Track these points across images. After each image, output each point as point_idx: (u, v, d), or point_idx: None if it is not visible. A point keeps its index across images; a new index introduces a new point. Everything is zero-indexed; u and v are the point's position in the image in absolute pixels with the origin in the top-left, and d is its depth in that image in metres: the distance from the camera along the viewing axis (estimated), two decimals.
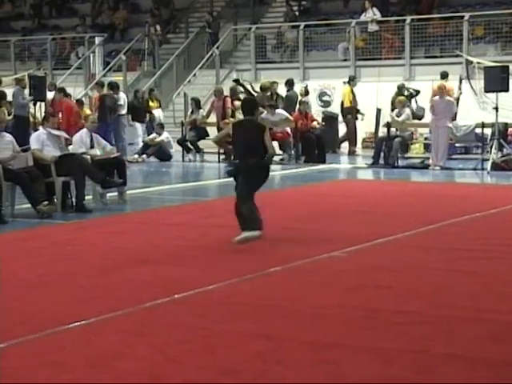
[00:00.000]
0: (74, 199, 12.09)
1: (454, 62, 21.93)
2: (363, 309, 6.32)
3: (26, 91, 20.29)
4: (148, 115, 21.86)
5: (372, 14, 23.96)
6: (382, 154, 18.35)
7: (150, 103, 22.21)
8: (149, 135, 20.99)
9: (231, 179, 9.50)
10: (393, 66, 22.77)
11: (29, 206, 11.36)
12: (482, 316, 6.10)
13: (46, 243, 9.50)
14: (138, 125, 21.21)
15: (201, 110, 21.02)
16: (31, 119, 20.26)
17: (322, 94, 23.38)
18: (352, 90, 20.96)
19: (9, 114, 20.71)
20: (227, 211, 11.81)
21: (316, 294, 6.83)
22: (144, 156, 20.23)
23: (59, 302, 6.62)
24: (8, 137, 11.95)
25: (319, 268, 7.91)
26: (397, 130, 18.48)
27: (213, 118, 20.91)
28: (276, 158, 19.76)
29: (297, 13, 27.21)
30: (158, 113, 22.08)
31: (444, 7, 24.80)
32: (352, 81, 21.21)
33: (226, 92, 21.03)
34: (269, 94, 20.81)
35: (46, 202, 11.29)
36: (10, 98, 21.17)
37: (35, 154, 11.99)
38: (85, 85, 26.59)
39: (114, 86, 20.57)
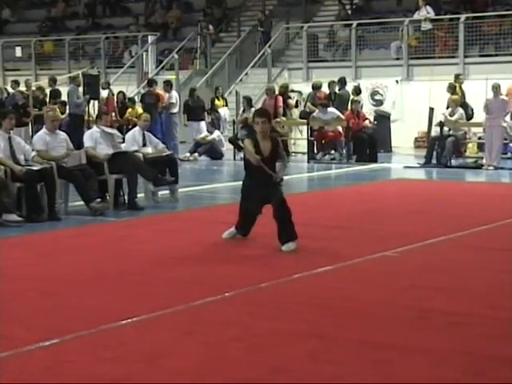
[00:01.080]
0: (126, 197, 12.18)
1: (509, 60, 21.64)
2: (415, 309, 6.26)
3: (80, 89, 20.52)
4: (213, 113, 21.89)
5: (425, 12, 23.74)
6: (434, 154, 18.18)
7: (216, 101, 22.27)
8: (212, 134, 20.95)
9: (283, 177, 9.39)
10: (446, 64, 22.52)
11: (82, 203, 11.47)
12: None
13: (99, 240, 9.58)
14: (194, 124, 21.23)
15: (252, 109, 20.99)
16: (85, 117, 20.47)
17: (374, 93, 23.24)
18: (460, 87, 20.40)
19: (62, 113, 20.97)
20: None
21: (367, 294, 6.79)
22: (196, 154, 20.31)
23: (112, 299, 6.68)
24: (62, 135, 12.09)
25: (370, 268, 7.86)
26: (450, 129, 18.28)
27: None
28: (327, 157, 19.76)
29: (349, 11, 27.10)
30: (223, 111, 22.05)
31: (499, 5, 24.47)
32: (458, 78, 20.56)
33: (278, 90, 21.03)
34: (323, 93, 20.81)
35: (98, 200, 11.40)
36: (64, 96, 21.47)
37: (88, 152, 12.11)
38: (137, 83, 26.79)
39: (152, 83, 20.75)
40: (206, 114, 21.74)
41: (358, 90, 20.94)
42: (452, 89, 19.37)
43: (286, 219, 8.61)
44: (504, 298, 6.62)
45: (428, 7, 23.83)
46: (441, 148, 18.06)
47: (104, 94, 21.77)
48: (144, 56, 27.99)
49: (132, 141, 13.02)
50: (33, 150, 11.51)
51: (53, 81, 23.41)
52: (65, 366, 5.02)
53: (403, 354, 5.19)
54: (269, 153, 8.73)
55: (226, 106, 22.38)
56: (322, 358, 5.13)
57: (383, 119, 21.43)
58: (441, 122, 18.47)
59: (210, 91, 23.96)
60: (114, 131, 13.04)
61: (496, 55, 22.46)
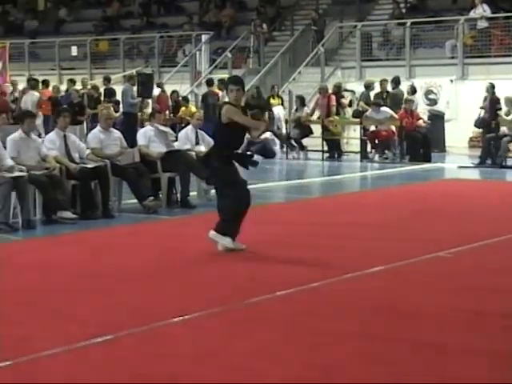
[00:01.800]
0: (178, 195, 12.24)
1: None
2: (469, 311, 6.19)
3: (134, 88, 20.70)
4: (269, 112, 21.86)
5: (481, 10, 23.43)
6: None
7: (272, 100, 22.25)
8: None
9: (336, 177, 9.33)
10: (502, 63, 22.21)
11: (135, 201, 11.56)
12: None
13: (151, 238, 9.65)
14: None
15: (305, 108, 20.99)
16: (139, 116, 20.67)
17: (428, 92, 23.01)
18: None
19: (116, 112, 21.17)
20: (330, 209, 11.80)
21: (420, 295, 6.73)
22: (248, 153, 20.29)
23: (164, 296, 6.72)
24: (116, 133, 12.20)
25: (424, 268, 7.79)
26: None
27: (317, 116, 20.84)
28: (380, 157, 19.64)
29: (403, 10, 26.87)
30: (277, 110, 21.95)
31: None
32: None
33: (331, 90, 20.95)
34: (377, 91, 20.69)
35: (151, 198, 11.47)
36: (118, 95, 21.68)
37: (142, 150, 12.20)
38: (191, 82, 26.92)
39: (213, 83, 20.79)
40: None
41: (413, 90, 20.74)
42: (492, 89, 19.12)
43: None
44: None
45: (484, 5, 23.52)
46: (496, 148, 17.83)
47: (156, 92, 21.93)
48: (197, 55, 28.11)
49: (185, 139, 13.07)
50: (87, 148, 11.64)
51: (107, 80, 23.66)
52: (117, 363, 5.06)
53: (457, 356, 5.13)
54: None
55: (282, 104, 22.25)
56: (375, 358, 5.10)
57: (437, 119, 21.20)
58: (496, 121, 18.21)
59: (263, 90, 23.95)
60: (168, 130, 13.11)
61: None
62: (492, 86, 19.26)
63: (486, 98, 19.26)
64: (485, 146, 18.23)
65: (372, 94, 21.01)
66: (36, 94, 21.56)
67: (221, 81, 21.16)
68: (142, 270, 7.75)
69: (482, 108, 19.44)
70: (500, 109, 18.68)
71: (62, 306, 6.41)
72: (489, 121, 18.67)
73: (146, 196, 11.40)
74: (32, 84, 21.55)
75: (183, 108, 21.94)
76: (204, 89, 23.20)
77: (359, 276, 7.41)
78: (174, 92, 22.80)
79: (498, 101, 18.76)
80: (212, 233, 8.47)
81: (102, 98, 22.39)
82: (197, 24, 30.98)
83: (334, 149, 20.25)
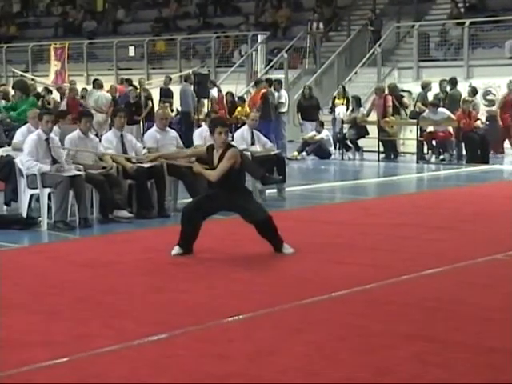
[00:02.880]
0: None
1: None
2: None
3: (191, 88, 20.84)
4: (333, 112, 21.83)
5: None
6: None
7: (336, 100, 22.18)
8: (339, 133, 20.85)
9: (391, 178, 9.26)
10: None
11: (190, 200, 11.58)
12: None
13: (207, 237, 9.65)
14: (307, 124, 21.20)
15: (361, 108, 20.88)
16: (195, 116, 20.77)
17: (486, 93, 22.73)
18: None
19: (172, 111, 21.33)
20: (386, 210, 11.72)
21: (478, 297, 6.64)
22: (303, 154, 20.30)
23: (219, 296, 6.73)
24: (172, 133, 12.27)
25: (481, 270, 7.69)
26: None
27: (373, 117, 20.74)
28: (437, 158, 19.45)
29: (462, 9, 26.59)
30: (339, 110, 21.87)
31: None
32: None
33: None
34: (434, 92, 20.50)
35: None
36: (176, 95, 21.82)
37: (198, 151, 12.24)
38: (247, 82, 26.97)
39: (271, 83, 20.74)
40: (319, 113, 21.67)
41: (474, 91, 20.50)
42: None
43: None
44: None
45: None
46: None
47: (214, 93, 22.01)
48: (253, 55, 28.16)
49: (241, 139, 13.09)
50: (144, 148, 11.73)
51: (169, 79, 23.79)
52: (172, 361, 5.08)
53: None
54: (217, 161, 8.54)
55: (347, 104, 22.05)
56: (431, 360, 5.04)
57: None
58: None
59: (319, 90, 23.91)
60: None
61: None
62: None
63: None
64: None
65: (429, 95, 20.83)
66: (107, 94, 21.72)
67: (276, 81, 21.10)
68: (197, 268, 7.78)
69: None
70: None
71: (118, 304, 6.46)
72: None
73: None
74: (99, 84, 21.73)
75: (239, 108, 21.99)
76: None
77: (416, 278, 7.34)
78: (228, 93, 22.86)
79: None
80: (287, 249, 8.40)
81: (159, 98, 22.54)
82: (253, 24, 31.05)
83: (389, 150, 20.10)
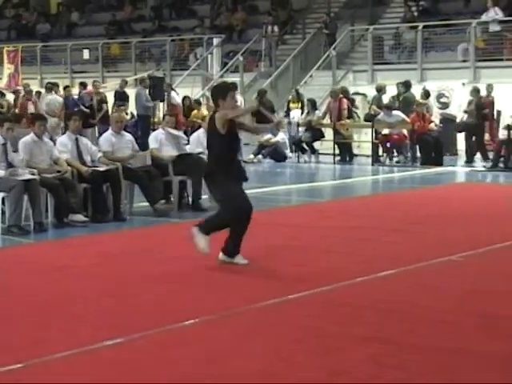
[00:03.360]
0: (190, 198, 12.25)
1: None
2: (481, 315, 6.17)
3: (147, 91, 20.77)
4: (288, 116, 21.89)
5: (494, 13, 23.38)
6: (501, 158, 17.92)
7: (291, 104, 22.25)
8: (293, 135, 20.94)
9: (347, 180, 9.32)
10: None
11: (146, 204, 11.58)
12: None
13: (163, 241, 9.66)
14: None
15: (316, 111, 20.98)
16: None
17: (439, 96, 22.97)
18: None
19: (126, 114, 21.25)
20: (341, 212, 11.79)
21: (432, 299, 6.71)
22: (259, 156, 20.33)
23: (177, 299, 6.72)
24: (128, 136, 12.23)
25: (435, 272, 7.77)
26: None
27: (328, 120, 20.84)
28: (391, 160, 19.61)
29: (415, 13, 26.84)
30: (293, 114, 21.93)
31: None
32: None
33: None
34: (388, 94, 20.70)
35: (163, 201, 11.49)
36: (131, 98, 21.75)
37: (153, 154, 12.22)
38: (202, 85, 26.95)
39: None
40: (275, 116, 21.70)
41: (427, 94, 20.72)
42: (477, 93, 19.08)
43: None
44: None
45: (496, 8, 23.47)
46: (508, 151, 17.78)
47: (175, 96, 21.98)
48: (209, 58, 28.15)
49: (197, 143, 13.08)
50: (99, 151, 11.67)
51: (125, 82, 23.69)
52: (129, 365, 5.07)
53: (469, 360, 5.12)
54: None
55: (302, 108, 22.11)
56: (386, 362, 5.09)
57: (449, 122, 21.15)
58: (508, 125, 18.16)
59: (275, 94, 23.96)
60: (179, 133, 13.13)
61: None
62: (477, 90, 19.26)
63: (470, 102, 19.21)
64: (497, 150, 18.19)
65: (384, 98, 21.01)
66: (59, 97, 21.55)
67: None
68: (153, 273, 7.75)
69: (465, 112, 19.42)
70: (486, 113, 18.69)
71: (74, 309, 6.42)
72: (473, 125, 18.70)
73: (157, 199, 11.41)
74: (50, 87, 21.56)
75: (195, 111, 21.97)
76: None
77: (370, 280, 7.39)
78: (185, 97, 22.85)
79: (483, 105, 18.77)
80: (194, 228, 8.09)
81: (113, 101, 22.43)
82: (208, 27, 31.04)
83: (345, 152, 20.23)
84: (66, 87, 22.77)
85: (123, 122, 12.70)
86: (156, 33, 32.01)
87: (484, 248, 8.78)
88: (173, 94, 22.30)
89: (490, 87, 19.62)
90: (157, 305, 6.54)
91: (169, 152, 12.27)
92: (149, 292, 7.00)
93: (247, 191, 13.33)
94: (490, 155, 18.48)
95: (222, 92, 8.08)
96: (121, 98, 22.55)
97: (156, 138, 12.45)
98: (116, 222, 10.90)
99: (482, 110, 18.85)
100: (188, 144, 13.23)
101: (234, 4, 31.66)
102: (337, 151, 20.17)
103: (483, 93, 19.40)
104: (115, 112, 13.64)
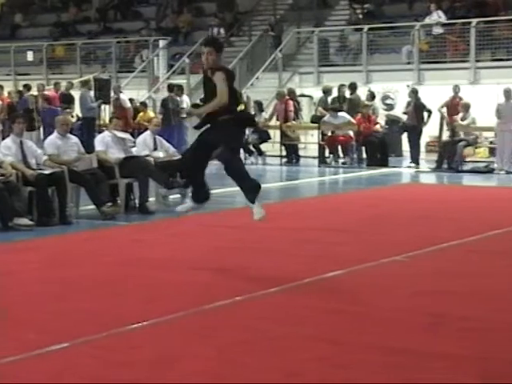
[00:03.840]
0: (137, 201, 12.19)
1: None
2: (427, 314, 6.24)
3: (91, 93, 20.60)
4: None
5: (437, 16, 23.70)
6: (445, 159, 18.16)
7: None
8: None
9: (294, 182, 9.35)
10: (458, 69, 22.47)
11: (93, 207, 11.49)
12: None
13: (109, 244, 9.59)
14: None
15: (263, 113, 21.04)
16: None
17: (384, 98, 23.20)
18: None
19: (72, 116, 21.06)
20: (288, 214, 11.83)
21: (378, 299, 6.77)
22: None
23: (124, 303, 6.68)
24: (73, 139, 12.12)
25: (381, 272, 7.83)
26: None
27: (275, 121, 20.91)
28: (338, 162, 19.74)
29: (360, 16, 27.06)
30: None
31: (511, 9, 24.38)
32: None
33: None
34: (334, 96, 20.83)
35: (109, 204, 11.42)
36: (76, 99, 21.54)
37: (99, 156, 12.13)
38: (148, 88, 26.83)
39: (173, 88, 20.70)
40: None
41: (372, 95, 20.91)
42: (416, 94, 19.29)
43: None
44: None
45: (439, 11, 23.79)
46: (452, 152, 18.03)
47: (125, 98, 21.85)
48: (155, 60, 28.03)
49: (143, 145, 13.04)
50: (44, 154, 11.55)
51: (71, 84, 23.48)
52: (75, 370, 5.01)
53: (416, 359, 5.17)
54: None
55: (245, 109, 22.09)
56: (334, 362, 5.12)
57: (394, 123, 21.38)
58: (452, 126, 18.43)
59: None
60: (126, 135, 13.06)
61: (508, 60, 22.37)
62: (415, 91, 19.52)
63: (409, 104, 19.47)
64: (441, 151, 18.43)
65: (330, 99, 21.14)
66: None
67: (177, 87, 21.12)
68: (100, 276, 7.69)
69: (404, 113, 19.67)
70: (423, 115, 18.96)
71: (19, 314, 6.33)
72: (412, 126, 18.96)
73: (103, 202, 11.33)
74: None
75: (141, 113, 21.86)
76: (163, 94, 23.13)
77: (318, 280, 7.43)
78: (130, 100, 22.73)
79: (422, 106, 19.04)
80: (254, 208, 8.07)
81: (59, 104, 22.20)
82: (154, 29, 30.91)
83: (291, 154, 20.31)
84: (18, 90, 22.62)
85: (68, 124, 12.58)
86: (101, 34, 31.76)
87: (429, 248, 8.88)
88: (122, 96, 22.17)
89: (456, 88, 19.77)
90: (103, 308, 6.48)
91: (115, 154, 12.19)
92: (95, 295, 6.94)
93: None
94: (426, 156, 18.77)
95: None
96: (66, 100, 22.33)
97: (102, 141, 12.37)
98: (62, 226, 10.79)
99: (421, 111, 19.06)
100: (134, 146, 13.17)
101: (180, 6, 31.57)
102: (284, 153, 20.24)
103: (450, 94, 19.62)
104: (60, 114, 13.51)
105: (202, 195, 8.44)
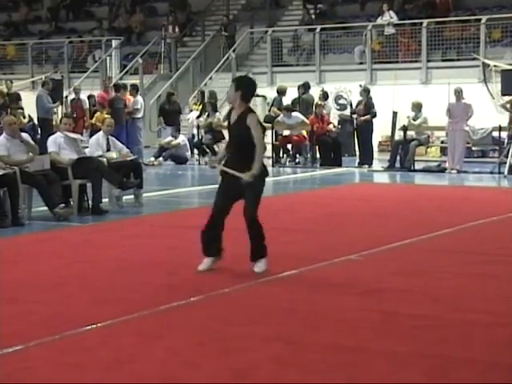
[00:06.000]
0: (90, 202, 12.12)
1: (471, 65, 21.87)
2: (380, 312, 6.30)
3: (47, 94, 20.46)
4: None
5: (389, 17, 23.91)
6: (398, 158, 18.33)
7: (194, 106, 22.23)
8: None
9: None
10: (409, 69, 22.71)
11: (45, 208, 11.39)
12: (498, 320, 6.07)
13: (63, 246, 9.52)
14: (169, 129, 21.11)
15: (217, 113, 21.03)
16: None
17: (338, 97, 23.35)
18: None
19: (24, 117, 20.86)
20: (241, 214, 11.83)
21: (332, 298, 6.82)
22: (160, 159, 20.26)
23: (77, 304, 6.64)
24: (23, 136, 11.89)
25: (335, 271, 7.89)
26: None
27: None
28: (292, 162, 19.82)
29: (313, 16, 27.19)
30: (190, 116, 21.97)
31: (461, 10, 24.71)
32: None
33: None
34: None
35: (62, 205, 11.33)
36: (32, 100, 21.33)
37: (52, 157, 12.03)
38: (101, 88, 26.66)
39: (120, 88, 20.60)
40: (180, 118, 21.77)
41: (325, 95, 21.02)
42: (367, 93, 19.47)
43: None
44: (466, 301, 6.68)
45: (391, 12, 24.01)
46: (404, 152, 18.21)
47: (87, 103, 21.74)
48: (108, 60, 27.89)
49: (96, 146, 12.97)
50: None
51: (10, 82, 23.32)
52: (27, 373, 4.97)
53: (368, 357, 5.22)
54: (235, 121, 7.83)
55: (202, 109, 22.04)
56: (288, 361, 5.14)
57: (347, 123, 21.52)
58: (404, 125, 18.61)
59: (175, 96, 23.85)
60: (78, 136, 12.98)
61: (458, 60, 22.67)
62: (367, 90, 19.70)
63: (359, 103, 19.63)
64: (393, 150, 18.60)
65: (284, 100, 21.21)
66: None
67: (132, 87, 21.03)
68: (53, 278, 7.64)
69: (353, 113, 19.83)
70: (375, 113, 19.15)
71: None
72: (361, 125, 19.13)
73: (56, 203, 11.25)
74: None
75: (98, 114, 21.72)
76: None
77: (272, 280, 7.46)
78: (90, 97, 22.65)
79: (372, 105, 19.23)
80: (258, 265, 7.75)
81: (8, 104, 21.98)
82: (107, 29, 30.73)
83: None
84: None
85: (15, 124, 12.40)
86: (53, 34, 31.50)
87: (382, 247, 8.97)
88: (83, 96, 22.06)
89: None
90: (56, 310, 6.44)
91: (68, 155, 12.10)
92: (49, 297, 6.89)
93: (147, 194, 13.41)
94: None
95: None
96: (12, 100, 22.06)
97: (55, 142, 12.26)
98: (14, 227, 10.69)
99: (370, 110, 19.21)
100: (87, 147, 13.09)
101: (133, 6, 31.43)
102: None
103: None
104: (6, 115, 13.38)
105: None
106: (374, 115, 19.17)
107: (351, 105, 20.08)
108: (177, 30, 28.30)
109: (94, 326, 5.93)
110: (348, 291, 7.05)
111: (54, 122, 20.43)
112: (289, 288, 7.21)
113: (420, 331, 5.79)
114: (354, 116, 19.80)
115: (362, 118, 19.07)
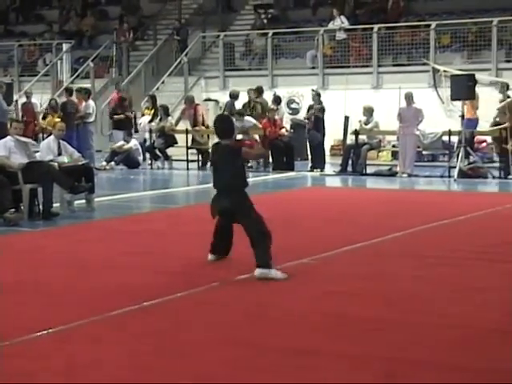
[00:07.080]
0: (41, 206, 12.00)
1: (421, 70, 22.14)
2: (333, 315, 6.33)
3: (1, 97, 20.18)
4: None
5: (340, 22, 24.09)
6: (350, 162, 18.46)
7: (146, 110, 22.15)
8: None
9: (201, 186, 9.34)
10: (360, 73, 22.91)
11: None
12: (451, 322, 6.14)
13: (13, 251, 9.41)
14: (119, 133, 20.98)
15: (169, 118, 20.99)
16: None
17: (290, 102, 23.45)
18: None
19: None
20: (196, 218, 11.81)
21: (286, 301, 6.83)
22: (112, 163, 20.14)
23: (26, 311, 6.56)
24: None
25: (290, 275, 7.89)
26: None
27: (181, 126, 20.89)
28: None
29: (265, 20, 27.28)
30: (142, 120, 21.94)
31: (411, 16, 25.00)
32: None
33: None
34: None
35: (12, 210, 11.20)
36: None
37: (2, 162, 11.89)
38: (52, 91, 26.45)
39: (72, 92, 20.44)
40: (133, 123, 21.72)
41: (278, 100, 21.09)
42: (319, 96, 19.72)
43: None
44: (416, 304, 6.74)
45: (342, 17, 24.19)
46: (356, 156, 18.33)
47: (39, 107, 21.54)
48: (59, 64, 27.68)
49: (47, 150, 12.85)
50: None
51: None
52: None
53: (322, 360, 5.24)
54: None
55: (155, 114, 21.97)
56: (245, 365, 5.14)
57: (299, 127, 21.60)
58: (356, 130, 18.74)
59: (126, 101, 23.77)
60: (28, 140, 12.84)
61: (408, 65, 22.93)
62: (319, 94, 19.85)
63: (310, 107, 19.77)
64: (345, 154, 18.72)
65: (237, 104, 21.24)
66: None
67: (84, 90, 20.84)
68: (3, 283, 7.54)
69: (306, 119, 19.96)
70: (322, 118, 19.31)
71: None
72: (314, 132, 19.31)
73: (6, 208, 11.11)
74: None
75: (50, 117, 21.53)
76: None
77: (226, 284, 7.45)
78: (52, 100, 22.47)
79: (323, 110, 19.39)
80: (258, 271, 7.69)
81: None
82: (57, 32, 30.49)
83: (205, 158, 20.33)
84: None
85: None
86: (2, 37, 31.16)
87: (334, 250, 9.01)
88: (34, 100, 21.85)
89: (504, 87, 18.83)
90: (7, 316, 6.36)
91: (18, 160, 11.97)
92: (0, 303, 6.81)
93: (99, 198, 13.31)
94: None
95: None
96: None
97: (5, 146, 12.11)
98: None
99: (320, 115, 19.35)
100: (38, 151, 12.97)
101: (84, 9, 31.23)
102: (194, 157, 20.27)
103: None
104: None
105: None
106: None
107: (309, 108, 20.10)
108: (129, 33, 28.16)
109: (46, 332, 5.87)
110: (300, 294, 7.07)
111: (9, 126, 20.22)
112: (241, 292, 7.21)
113: (373, 334, 5.83)
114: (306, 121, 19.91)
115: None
